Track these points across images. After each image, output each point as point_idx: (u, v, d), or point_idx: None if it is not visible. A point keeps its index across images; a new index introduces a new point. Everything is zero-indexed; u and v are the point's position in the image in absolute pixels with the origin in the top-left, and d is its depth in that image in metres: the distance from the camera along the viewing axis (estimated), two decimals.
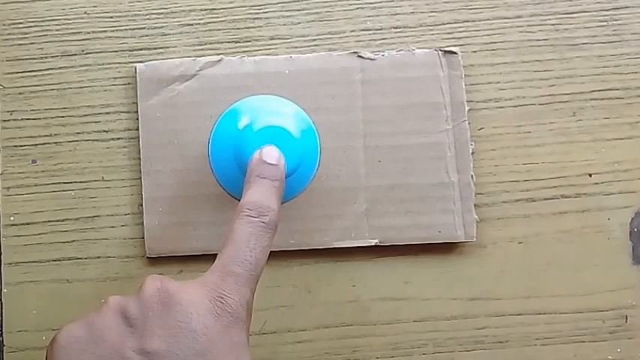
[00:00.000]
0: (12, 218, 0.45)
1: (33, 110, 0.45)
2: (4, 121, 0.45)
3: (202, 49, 0.46)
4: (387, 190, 0.44)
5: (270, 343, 0.44)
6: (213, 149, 0.44)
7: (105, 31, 0.46)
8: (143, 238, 0.44)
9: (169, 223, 0.44)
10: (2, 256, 0.44)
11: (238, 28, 0.46)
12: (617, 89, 0.45)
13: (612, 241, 0.44)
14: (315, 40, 0.46)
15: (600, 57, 0.46)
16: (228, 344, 0.32)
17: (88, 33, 0.46)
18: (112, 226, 0.45)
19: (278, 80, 0.44)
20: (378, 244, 0.44)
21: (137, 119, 0.45)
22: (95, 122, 0.45)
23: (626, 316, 0.44)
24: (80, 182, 0.45)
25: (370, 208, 0.44)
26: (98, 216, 0.45)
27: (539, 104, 0.45)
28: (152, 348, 0.31)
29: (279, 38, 0.46)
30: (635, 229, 0.45)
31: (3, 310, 0.44)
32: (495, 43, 0.46)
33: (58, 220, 0.45)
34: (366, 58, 0.45)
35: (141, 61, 0.45)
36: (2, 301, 0.44)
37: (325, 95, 0.44)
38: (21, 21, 0.46)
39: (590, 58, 0.46)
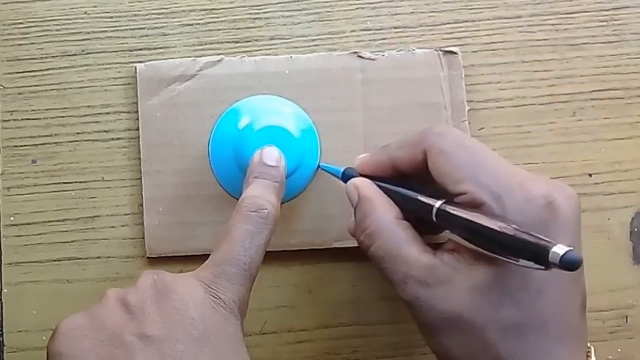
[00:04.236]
0: (12, 218, 0.45)
1: (33, 110, 0.45)
2: (4, 121, 0.45)
3: (202, 49, 0.46)
4: None
5: (271, 343, 0.44)
6: (214, 149, 0.44)
7: (105, 31, 0.46)
8: (143, 238, 0.44)
9: (169, 223, 0.44)
10: (2, 256, 0.44)
11: (238, 28, 0.46)
12: (617, 89, 0.45)
13: (612, 241, 0.45)
14: (315, 40, 0.46)
15: (600, 57, 0.46)
16: (225, 334, 0.32)
17: (88, 33, 0.46)
18: (112, 226, 0.45)
19: (278, 80, 0.44)
20: None
21: (137, 119, 0.45)
22: (95, 122, 0.45)
23: (626, 316, 0.44)
24: (80, 182, 0.45)
25: None
26: (98, 216, 0.45)
27: (540, 104, 0.45)
28: (152, 333, 0.31)
29: (280, 38, 0.46)
30: (636, 229, 0.45)
31: (3, 310, 0.44)
32: (495, 43, 0.46)
33: (58, 220, 0.45)
34: (367, 58, 0.45)
35: (141, 61, 0.45)
36: (2, 301, 0.44)
37: (325, 95, 0.44)
38: (21, 21, 0.46)
39: (590, 58, 0.46)
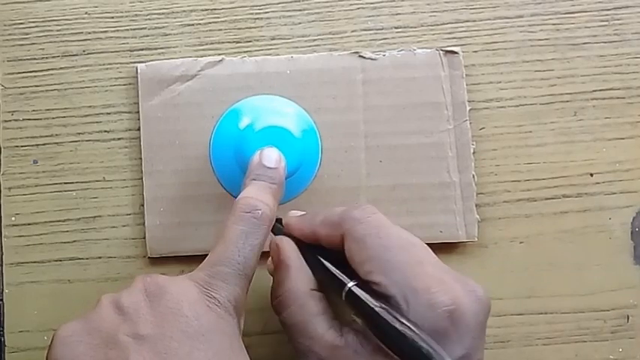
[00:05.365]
0: (13, 218, 0.45)
1: (34, 110, 0.45)
2: (6, 121, 0.45)
3: (203, 50, 0.46)
4: (389, 190, 0.44)
5: (271, 343, 0.44)
6: (215, 149, 0.44)
7: (106, 32, 0.46)
8: (144, 238, 0.44)
9: (171, 223, 0.44)
10: (4, 257, 0.44)
11: (239, 29, 0.46)
12: (618, 89, 0.45)
13: (613, 240, 0.44)
14: (316, 40, 0.46)
15: (601, 57, 0.46)
16: (220, 332, 0.32)
17: (89, 33, 0.46)
18: (114, 227, 0.45)
19: (279, 80, 0.44)
20: None
21: (138, 119, 0.45)
22: (96, 122, 0.45)
23: (628, 316, 0.44)
24: (81, 182, 0.45)
25: None
26: (99, 216, 0.45)
27: (541, 104, 0.45)
28: (145, 332, 0.32)
29: (280, 38, 0.46)
30: (637, 229, 0.45)
31: (4, 311, 0.44)
32: (496, 42, 0.46)
33: (59, 221, 0.45)
34: (367, 58, 0.45)
35: (142, 62, 0.45)
36: (3, 301, 0.44)
37: (326, 95, 0.44)
38: (22, 21, 0.46)
39: (591, 57, 0.46)
